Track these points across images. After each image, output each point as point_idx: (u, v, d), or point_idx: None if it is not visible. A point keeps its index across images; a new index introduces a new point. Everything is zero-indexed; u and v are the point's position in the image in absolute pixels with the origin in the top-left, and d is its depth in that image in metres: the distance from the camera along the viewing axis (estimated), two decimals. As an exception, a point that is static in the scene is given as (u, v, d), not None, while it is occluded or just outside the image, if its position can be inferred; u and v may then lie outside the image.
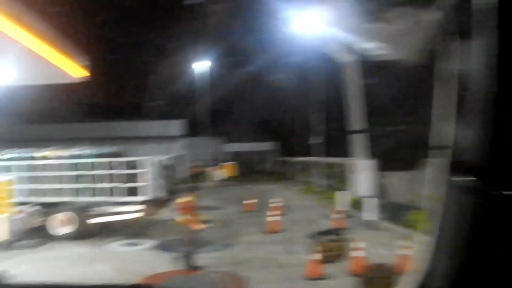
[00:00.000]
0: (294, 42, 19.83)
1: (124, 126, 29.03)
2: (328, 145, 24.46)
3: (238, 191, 21.37)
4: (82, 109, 26.97)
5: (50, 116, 28.56)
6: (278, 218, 11.60)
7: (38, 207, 9.81)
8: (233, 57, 30.83)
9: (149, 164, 9.77)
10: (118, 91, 31.67)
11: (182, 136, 31.00)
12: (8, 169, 10.10)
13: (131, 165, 9.70)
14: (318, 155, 19.98)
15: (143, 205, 9.44)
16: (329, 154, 21.10)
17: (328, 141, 25.05)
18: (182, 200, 6.41)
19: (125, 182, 9.51)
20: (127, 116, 29.83)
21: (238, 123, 36.67)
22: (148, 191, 9.72)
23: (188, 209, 6.36)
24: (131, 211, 9.38)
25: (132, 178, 9.50)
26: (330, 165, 19.37)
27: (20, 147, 10.36)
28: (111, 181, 9.51)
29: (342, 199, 13.40)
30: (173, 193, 11.02)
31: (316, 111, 20.44)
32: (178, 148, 30.66)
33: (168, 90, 33.60)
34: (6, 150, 10.45)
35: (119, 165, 9.56)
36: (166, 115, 31.10)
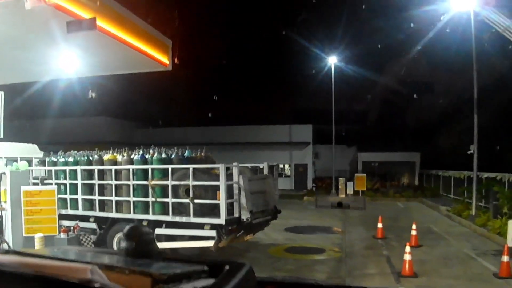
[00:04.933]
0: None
1: (244, 131, 27.83)
2: (492, 157, 18.94)
3: (370, 209, 17.72)
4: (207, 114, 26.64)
5: (174, 120, 29.43)
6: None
7: (93, 224, 8.36)
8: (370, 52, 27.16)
9: (237, 174, 7.34)
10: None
11: (309, 143, 28.38)
12: (60, 175, 8.91)
13: (214, 174, 7.41)
14: (479, 168, 15.01)
15: (227, 229, 7.04)
16: (492, 167, 15.94)
17: (493, 151, 19.45)
18: None
19: (204, 197, 7.25)
20: (250, 121, 28.57)
21: (374, 129, 32.45)
22: (235, 210, 7.32)
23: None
24: (209, 237, 7.07)
25: (214, 192, 7.19)
26: (498, 182, 14.28)
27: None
28: (186, 196, 7.35)
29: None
30: (270, 213, 8.40)
31: (477, 113, 15.40)
32: (303, 156, 28.32)
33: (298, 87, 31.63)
34: (72, 153, 9.29)
35: (200, 175, 7.37)
36: (291, 119, 28.86)
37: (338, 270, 8.18)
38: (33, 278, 1.36)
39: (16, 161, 9.53)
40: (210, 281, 1.48)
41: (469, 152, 15.12)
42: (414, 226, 10.08)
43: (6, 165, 9.24)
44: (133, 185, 7.89)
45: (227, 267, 1.59)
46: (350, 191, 23.09)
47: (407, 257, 7.52)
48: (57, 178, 8.98)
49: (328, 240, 10.99)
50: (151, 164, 7.85)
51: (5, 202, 7.83)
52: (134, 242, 1.74)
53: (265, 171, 8.80)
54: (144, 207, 7.85)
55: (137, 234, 1.77)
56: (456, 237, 11.44)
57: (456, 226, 13.63)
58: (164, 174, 7.59)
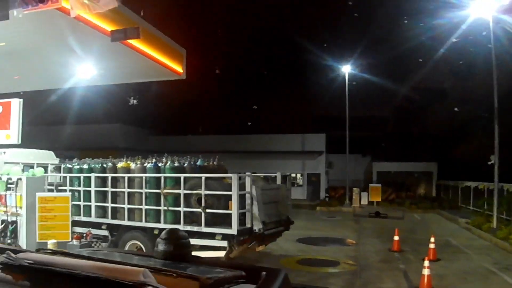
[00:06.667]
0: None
1: (256, 140, 27.72)
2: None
3: (384, 221, 17.39)
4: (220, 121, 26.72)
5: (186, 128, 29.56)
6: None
7: (105, 231, 8.34)
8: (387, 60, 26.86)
9: (249, 184, 7.25)
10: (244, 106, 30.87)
11: (322, 152, 28.13)
12: (75, 182, 8.96)
13: (226, 183, 7.32)
14: (500, 178, 14.58)
15: (238, 239, 6.93)
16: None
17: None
18: None
19: (216, 207, 7.17)
20: (263, 130, 28.45)
21: (390, 138, 31.98)
22: (247, 220, 7.20)
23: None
24: (221, 247, 6.97)
25: (226, 201, 7.10)
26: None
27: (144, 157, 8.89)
28: (198, 205, 7.28)
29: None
30: (283, 224, 8.25)
31: (498, 122, 15.00)
32: (316, 166, 28.06)
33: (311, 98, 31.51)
34: (87, 160, 9.38)
35: (213, 184, 7.30)
36: (304, 127, 28.67)
37: (352, 283, 7.97)
38: (86, 279, 1.40)
39: (32, 167, 9.64)
40: (249, 286, 1.51)
41: (489, 163, 14.71)
42: (432, 239, 9.78)
43: (23, 171, 9.36)
44: (145, 193, 7.87)
45: (264, 273, 1.62)
46: (364, 201, 22.75)
47: (425, 271, 7.25)
48: (71, 184, 9.04)
49: (342, 252, 10.76)
50: (164, 172, 7.82)
51: (20, 207, 7.90)
52: (172, 245, 1.84)
53: (278, 181, 8.69)
54: (156, 216, 7.81)
55: (174, 238, 1.88)
56: (476, 250, 11.08)
57: (476, 239, 13.22)
58: (176, 182, 7.55)
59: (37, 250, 2.03)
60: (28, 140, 11.37)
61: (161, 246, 1.85)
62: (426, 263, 7.37)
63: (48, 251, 1.99)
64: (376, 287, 7.69)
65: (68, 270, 1.43)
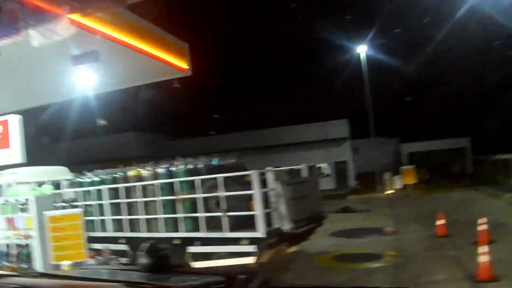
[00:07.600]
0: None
1: (276, 133, 26.81)
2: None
3: (423, 204, 16.31)
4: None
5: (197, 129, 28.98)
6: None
7: (125, 246, 7.70)
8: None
9: (273, 180, 6.47)
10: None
11: (346, 139, 27.01)
12: (86, 196, 8.38)
13: (247, 182, 6.55)
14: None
15: (267, 243, 6.18)
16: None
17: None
18: None
19: (238, 209, 6.43)
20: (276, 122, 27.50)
21: (418, 117, 30.57)
22: (275, 220, 6.44)
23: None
24: (249, 252, 6.23)
25: (248, 202, 6.35)
26: None
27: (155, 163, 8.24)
28: (217, 208, 6.56)
29: None
30: (314, 219, 7.44)
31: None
32: (341, 153, 26.95)
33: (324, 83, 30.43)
34: (97, 171, 8.80)
35: (232, 184, 6.56)
36: (325, 114, 27.58)
37: (399, 278, 7.09)
38: None
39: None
40: None
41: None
42: (481, 220, 8.75)
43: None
44: (160, 200, 7.21)
45: (239, 276, 1.64)
46: (397, 185, 21.64)
47: (482, 257, 6.32)
48: (84, 199, 8.51)
49: (382, 243, 9.85)
50: (177, 176, 7.13)
51: (31, 229, 7.40)
52: (152, 258, 1.91)
53: (304, 173, 7.87)
54: (174, 224, 7.14)
55: (154, 251, 1.96)
56: (532, 228, 9.97)
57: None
58: (192, 186, 6.85)
59: (24, 274, 2.22)
60: (45, 157, 10.95)
61: (142, 260, 1.91)
62: (481, 248, 6.43)
63: (36, 273, 2.19)
64: (427, 281, 6.80)
65: None
